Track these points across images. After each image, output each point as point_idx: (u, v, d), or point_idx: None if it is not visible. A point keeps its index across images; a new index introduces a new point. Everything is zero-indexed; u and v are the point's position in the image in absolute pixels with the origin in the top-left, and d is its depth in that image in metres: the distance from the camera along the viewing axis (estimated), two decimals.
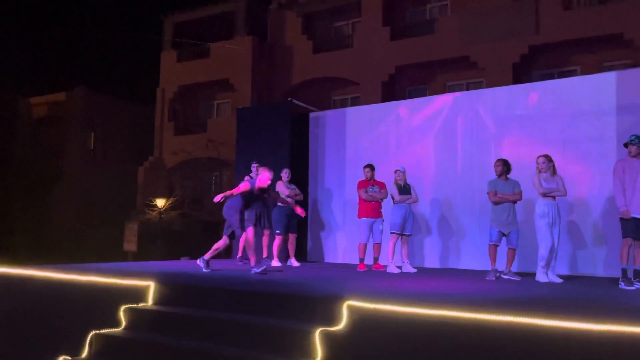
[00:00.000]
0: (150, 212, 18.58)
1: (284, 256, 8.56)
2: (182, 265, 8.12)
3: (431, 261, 8.69)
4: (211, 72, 20.05)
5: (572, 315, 3.29)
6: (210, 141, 17.84)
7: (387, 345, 3.56)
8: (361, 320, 3.75)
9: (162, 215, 18.07)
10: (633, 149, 5.85)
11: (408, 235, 7.74)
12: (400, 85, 17.35)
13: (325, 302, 4.00)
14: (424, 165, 8.87)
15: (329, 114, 10.16)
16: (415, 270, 7.57)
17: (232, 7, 20.60)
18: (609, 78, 7.43)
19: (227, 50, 19.72)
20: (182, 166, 19.97)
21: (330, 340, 3.71)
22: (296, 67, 19.09)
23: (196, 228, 17.78)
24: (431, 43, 16.35)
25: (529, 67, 15.04)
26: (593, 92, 7.46)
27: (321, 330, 3.76)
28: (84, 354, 4.60)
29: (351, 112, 10.11)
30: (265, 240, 8.47)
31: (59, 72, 32.99)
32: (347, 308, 3.83)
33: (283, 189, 8.39)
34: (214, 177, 20.31)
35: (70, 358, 4.70)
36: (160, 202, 18.23)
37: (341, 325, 3.80)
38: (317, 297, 4.18)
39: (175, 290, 4.98)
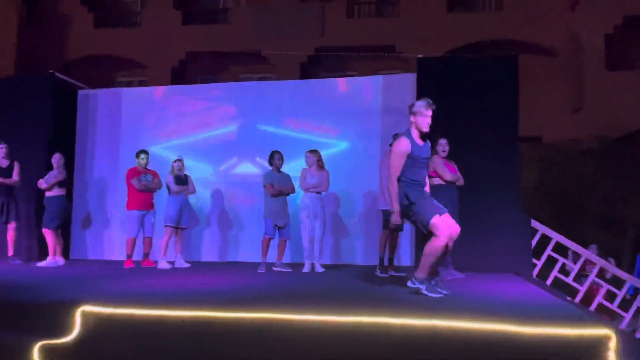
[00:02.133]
0: None
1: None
2: None
3: (209, 255, 8.36)
4: None
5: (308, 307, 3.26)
6: None
7: (125, 356, 3.10)
8: (97, 329, 3.21)
9: None
10: None
11: (183, 228, 7.30)
12: (192, 72, 16.69)
13: (54, 309, 3.34)
14: (204, 155, 8.49)
15: (101, 94, 9.06)
16: (188, 265, 7.16)
17: None
18: (376, 81, 8.02)
19: None
20: None
21: (54, 355, 3.09)
22: (74, 40, 16.98)
23: None
24: (224, 33, 16.06)
25: (316, 68, 15.77)
26: (363, 93, 7.98)
27: (43, 345, 3.11)
28: None
29: (128, 93, 9.20)
30: (11, 235, 7.21)
31: None
32: (82, 315, 3.25)
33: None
34: None
35: None
36: None
37: (71, 335, 3.20)
38: (44, 304, 3.48)
39: None
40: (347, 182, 7.76)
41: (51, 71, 8.55)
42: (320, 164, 6.57)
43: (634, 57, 14.59)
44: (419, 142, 4.36)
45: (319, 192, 6.53)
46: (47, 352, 3.08)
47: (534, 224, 6.63)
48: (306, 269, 6.44)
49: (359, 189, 7.84)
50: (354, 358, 2.98)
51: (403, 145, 4.27)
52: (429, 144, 4.54)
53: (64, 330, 3.22)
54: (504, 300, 4.10)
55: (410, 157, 4.29)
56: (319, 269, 6.42)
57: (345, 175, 7.74)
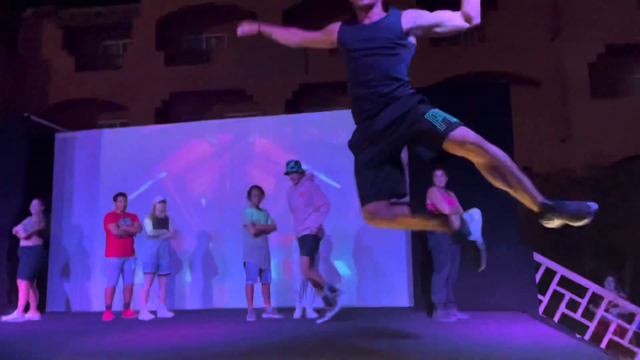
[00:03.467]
0: None
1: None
2: None
3: (194, 302, 7.88)
4: None
5: None
6: None
7: None
8: None
9: None
10: (294, 176, 5.86)
11: (166, 275, 6.84)
12: (176, 113, 16.49)
13: None
14: (190, 194, 8.14)
15: (80, 136, 8.70)
16: (172, 314, 6.68)
17: None
18: None
19: None
20: None
21: None
22: (55, 84, 16.78)
23: None
24: (208, 72, 15.98)
25: (300, 103, 15.67)
26: (349, 126, 7.72)
27: None
28: None
29: (109, 134, 8.88)
30: None
31: None
32: None
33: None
34: None
35: None
36: None
37: None
38: None
39: None
40: (337, 219, 7.41)
41: (26, 114, 8.23)
42: None
43: (618, 84, 14.69)
44: (367, 20, 2.74)
45: None
46: None
47: (537, 257, 6.31)
48: (297, 314, 6.01)
49: (350, 227, 7.48)
50: None
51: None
52: (392, 19, 2.73)
53: None
54: (520, 346, 3.73)
55: (343, 47, 2.77)
56: (311, 314, 5.98)
57: (336, 211, 7.41)
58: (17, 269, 6.83)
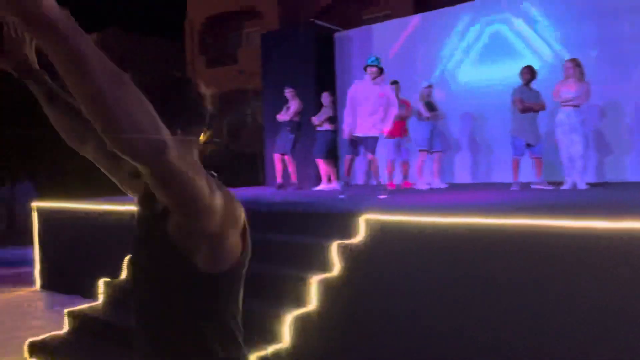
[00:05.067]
0: None
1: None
2: None
3: (462, 177, 8.66)
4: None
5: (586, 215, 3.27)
6: (241, 72, 17.80)
7: (405, 254, 3.69)
8: (380, 233, 3.86)
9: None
10: (373, 70, 6.22)
11: (438, 152, 7.69)
12: (436, 0, 16.53)
13: (343, 218, 4.12)
14: (451, 80, 8.65)
15: (354, 33, 9.88)
16: (446, 185, 7.60)
17: None
18: None
19: None
20: (215, 99, 20.07)
21: (348, 252, 3.86)
22: None
23: (232, 160, 18.12)
24: None
25: None
26: None
27: (339, 244, 3.91)
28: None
29: (377, 28, 9.79)
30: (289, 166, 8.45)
31: (90, 13, 33.06)
32: (365, 222, 3.95)
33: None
34: (248, 109, 20.42)
35: None
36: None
37: (359, 238, 3.93)
38: (335, 214, 4.30)
39: None
40: (612, 90, 7.02)
41: (312, 19, 9.65)
42: (579, 75, 6.09)
43: None
44: None
45: (576, 106, 6.10)
46: (343, 249, 3.88)
47: None
48: (566, 186, 6.21)
49: (627, 97, 7.02)
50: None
51: None
52: None
53: (353, 233, 3.98)
54: None
55: None
56: (582, 186, 6.11)
57: (612, 82, 7.01)
58: (313, 150, 8.50)
